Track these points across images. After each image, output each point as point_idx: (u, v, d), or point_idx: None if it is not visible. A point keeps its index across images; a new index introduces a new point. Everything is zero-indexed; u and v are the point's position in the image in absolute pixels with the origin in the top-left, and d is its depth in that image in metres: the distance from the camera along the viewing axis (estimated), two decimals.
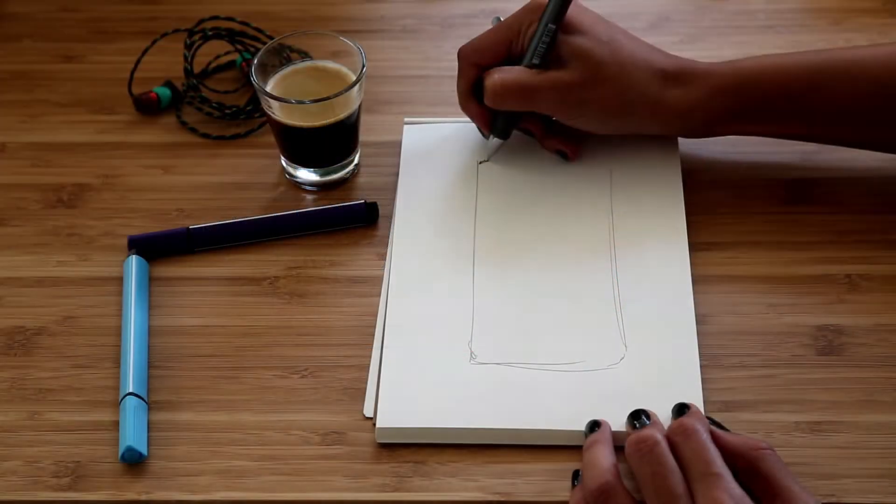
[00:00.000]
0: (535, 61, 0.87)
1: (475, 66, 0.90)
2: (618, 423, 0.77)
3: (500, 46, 0.90)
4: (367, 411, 0.81)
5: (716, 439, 0.73)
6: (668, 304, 0.84)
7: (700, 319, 0.84)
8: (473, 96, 0.91)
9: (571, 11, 0.88)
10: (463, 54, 0.91)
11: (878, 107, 0.86)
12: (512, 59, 0.90)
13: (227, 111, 0.99)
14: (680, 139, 0.93)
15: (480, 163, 0.93)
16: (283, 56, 0.94)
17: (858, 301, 0.85)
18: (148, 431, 0.80)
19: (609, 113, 0.88)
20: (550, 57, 0.88)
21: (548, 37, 0.87)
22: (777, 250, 0.88)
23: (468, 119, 0.97)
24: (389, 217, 0.92)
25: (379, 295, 0.87)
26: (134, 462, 0.78)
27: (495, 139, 0.92)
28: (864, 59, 0.87)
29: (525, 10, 0.89)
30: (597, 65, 0.86)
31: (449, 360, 0.82)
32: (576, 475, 0.76)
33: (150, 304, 0.87)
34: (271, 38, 0.98)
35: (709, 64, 0.88)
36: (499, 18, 0.92)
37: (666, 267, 0.87)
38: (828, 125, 0.88)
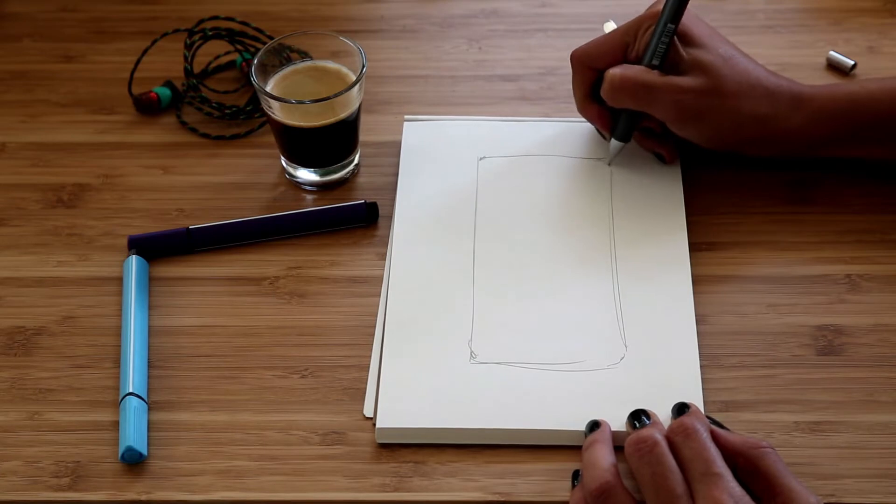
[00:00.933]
0: (656, 62, 0.88)
1: (591, 70, 0.90)
2: (618, 423, 0.77)
3: (616, 50, 0.90)
4: (367, 411, 0.81)
5: (716, 438, 0.73)
6: (668, 304, 0.84)
7: (700, 319, 0.84)
8: (592, 98, 0.91)
9: (688, 22, 0.88)
10: (576, 57, 0.91)
11: None
12: (628, 63, 0.89)
13: (227, 111, 0.99)
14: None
15: (609, 164, 0.93)
16: (283, 56, 0.94)
17: (858, 301, 0.85)
18: (148, 431, 0.80)
19: (720, 128, 0.88)
20: (669, 65, 0.88)
21: (667, 37, 0.87)
22: (777, 250, 0.88)
23: (468, 116, 0.97)
24: (389, 217, 0.92)
25: (379, 295, 0.87)
26: (134, 462, 0.78)
27: (616, 142, 0.91)
28: None
29: (643, 17, 0.89)
30: (717, 78, 0.87)
31: (449, 360, 0.82)
32: (576, 475, 0.76)
33: (150, 304, 0.87)
34: (271, 38, 0.98)
35: (816, 87, 0.89)
36: (610, 22, 0.93)
37: (666, 267, 0.87)
38: None
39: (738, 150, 0.90)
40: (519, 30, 1.06)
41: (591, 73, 0.91)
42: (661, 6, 0.88)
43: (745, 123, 0.88)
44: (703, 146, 0.91)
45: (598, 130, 0.94)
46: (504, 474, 0.77)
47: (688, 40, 0.88)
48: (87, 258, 0.90)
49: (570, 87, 0.92)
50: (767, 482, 0.72)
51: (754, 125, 0.88)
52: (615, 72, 0.88)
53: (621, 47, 0.90)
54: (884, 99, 0.87)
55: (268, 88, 0.92)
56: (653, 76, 0.87)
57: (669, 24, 0.87)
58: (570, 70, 0.92)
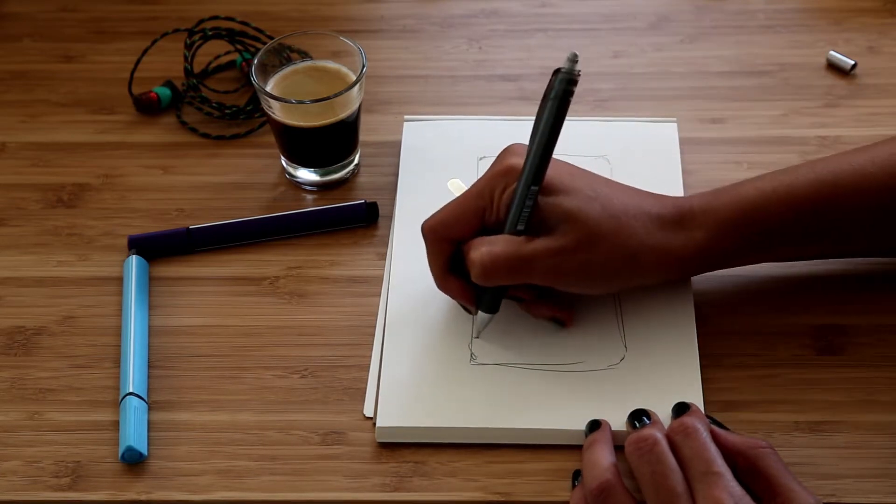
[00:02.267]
0: (520, 227, 0.78)
1: (448, 241, 0.81)
2: (618, 423, 0.77)
3: (472, 217, 0.80)
4: (367, 411, 0.81)
5: (716, 438, 0.73)
6: (668, 304, 0.84)
7: (700, 319, 0.84)
8: (451, 273, 0.82)
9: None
10: (431, 230, 0.81)
11: (891, 213, 0.80)
12: (486, 229, 0.81)
13: (227, 111, 0.99)
14: (680, 143, 0.93)
15: (476, 337, 0.84)
16: (283, 56, 0.94)
17: (858, 301, 0.85)
18: (148, 431, 0.80)
19: (610, 272, 0.79)
20: (534, 221, 0.79)
21: (531, 199, 0.78)
22: None
23: (468, 116, 0.97)
24: (389, 217, 0.92)
25: (379, 295, 0.87)
26: (134, 462, 0.78)
27: (484, 315, 0.82)
28: (864, 168, 0.80)
29: (496, 175, 0.80)
30: (590, 225, 0.78)
31: (449, 361, 0.82)
32: (576, 475, 0.76)
33: (150, 304, 0.87)
34: (271, 38, 0.98)
35: (705, 199, 0.81)
36: (456, 181, 0.87)
37: None
38: (841, 243, 0.82)
39: (640, 284, 0.82)
40: (519, 30, 1.06)
41: (447, 246, 0.81)
42: (512, 161, 0.80)
43: (637, 257, 0.79)
44: (599, 294, 0.83)
45: (462, 306, 0.84)
46: (504, 474, 0.77)
47: (547, 189, 0.79)
48: (87, 258, 0.90)
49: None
50: (767, 482, 0.72)
51: (648, 256, 0.79)
52: (483, 251, 0.78)
53: (477, 213, 0.80)
54: (781, 201, 0.80)
55: (268, 88, 0.92)
56: (522, 246, 0.78)
57: (532, 187, 0.78)
58: None
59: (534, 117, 0.98)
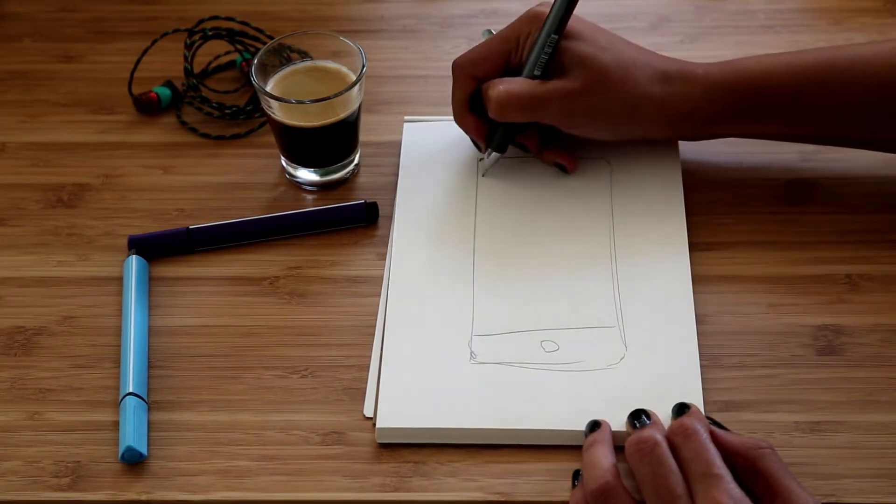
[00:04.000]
0: (537, 72, 0.86)
1: (472, 79, 0.89)
2: (618, 423, 0.77)
3: (498, 58, 0.88)
4: (367, 411, 0.81)
5: (715, 439, 0.73)
6: (668, 304, 0.84)
7: (700, 319, 0.84)
8: (470, 109, 0.90)
9: (571, 20, 0.87)
10: (458, 66, 0.89)
11: (883, 104, 0.86)
12: (510, 70, 0.89)
13: (227, 111, 0.99)
14: (680, 143, 0.93)
15: (483, 175, 0.92)
16: (283, 56, 0.94)
17: (858, 301, 0.85)
18: (148, 431, 0.80)
19: (614, 118, 0.87)
20: (551, 66, 0.87)
21: (550, 47, 0.86)
22: (777, 250, 0.88)
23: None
24: (389, 217, 0.92)
25: (379, 295, 0.87)
26: (134, 462, 0.78)
27: (493, 153, 0.91)
28: (865, 56, 0.86)
29: (523, 21, 0.88)
30: (600, 70, 0.85)
31: (449, 360, 0.82)
32: (576, 475, 0.76)
33: (150, 304, 0.87)
34: (271, 38, 0.98)
35: (708, 64, 0.88)
36: (490, 31, 0.91)
37: (666, 267, 0.87)
38: (831, 123, 0.88)
39: (640, 135, 0.89)
40: None
41: (472, 83, 0.89)
42: (542, 9, 0.87)
43: (639, 106, 0.86)
44: (602, 139, 0.90)
45: (473, 141, 0.92)
46: (504, 474, 0.77)
47: (568, 36, 0.86)
48: (87, 258, 0.90)
49: None
50: (767, 483, 0.72)
51: (648, 106, 0.86)
52: (500, 88, 0.86)
53: (503, 55, 0.88)
54: (779, 73, 0.86)
55: (268, 88, 0.92)
56: (535, 86, 0.86)
57: (553, 35, 0.86)
58: None
59: None
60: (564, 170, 0.91)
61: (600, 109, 0.86)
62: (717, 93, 0.87)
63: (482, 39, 0.91)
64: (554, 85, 0.86)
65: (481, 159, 0.93)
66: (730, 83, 0.86)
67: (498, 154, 0.90)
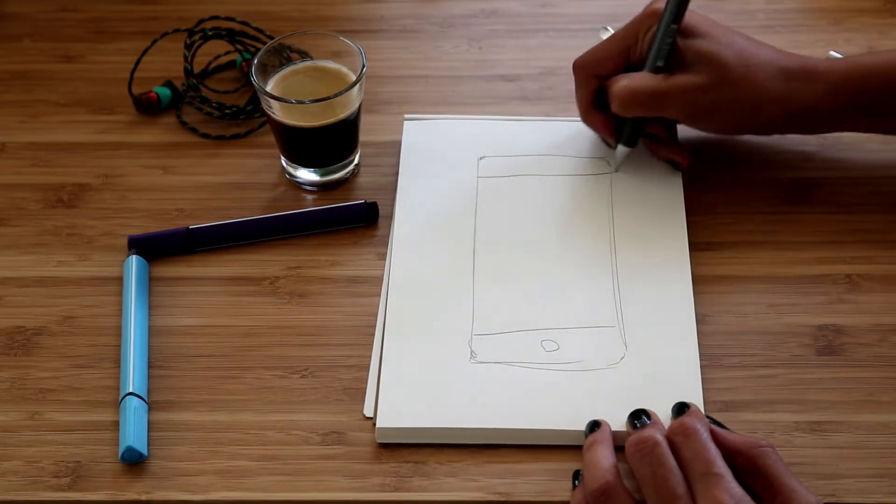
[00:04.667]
0: (660, 63, 0.87)
1: (593, 77, 0.90)
2: (618, 423, 0.77)
3: (618, 55, 0.89)
4: (367, 411, 0.81)
5: (716, 438, 0.73)
6: (668, 303, 0.84)
7: (700, 319, 0.84)
8: (596, 107, 0.91)
9: (687, 16, 0.87)
10: (579, 66, 0.90)
11: None
12: (631, 67, 0.89)
13: (227, 111, 0.99)
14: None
15: (616, 170, 0.92)
16: (283, 56, 0.94)
17: (858, 301, 0.85)
18: (148, 431, 0.80)
19: (738, 114, 0.88)
20: (672, 61, 0.87)
21: (670, 37, 0.86)
22: (777, 250, 0.88)
23: (468, 116, 0.97)
24: (389, 217, 0.92)
25: (379, 295, 0.87)
26: (134, 462, 0.78)
27: (623, 148, 0.91)
28: None
29: (642, 17, 0.89)
30: (724, 67, 0.86)
31: (449, 360, 0.82)
32: (576, 475, 0.76)
33: (150, 304, 0.87)
34: (271, 38, 0.98)
35: (829, 60, 0.88)
36: (606, 29, 0.93)
37: (666, 267, 0.87)
38: None
39: (761, 131, 0.91)
40: (519, 30, 1.06)
41: (594, 82, 0.90)
42: (659, 4, 0.88)
43: (762, 103, 0.87)
44: (723, 134, 0.91)
45: (602, 139, 0.93)
46: (504, 474, 0.77)
47: (688, 32, 0.87)
48: (87, 258, 0.90)
49: (571, 87, 0.92)
50: (767, 482, 0.72)
51: (770, 104, 0.87)
52: (622, 85, 0.87)
53: (623, 52, 0.89)
54: (890, 68, 0.86)
55: (268, 88, 0.92)
56: (658, 81, 0.87)
57: (672, 25, 0.87)
58: (570, 70, 0.92)
59: (534, 117, 0.99)
60: (678, 166, 0.92)
61: (722, 106, 0.87)
62: (837, 91, 0.87)
63: (601, 38, 0.92)
64: (676, 80, 0.86)
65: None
66: (849, 81, 0.86)
67: (628, 148, 0.91)
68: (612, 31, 0.93)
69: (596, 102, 0.91)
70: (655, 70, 0.87)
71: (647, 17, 0.88)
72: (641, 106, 0.88)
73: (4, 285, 0.89)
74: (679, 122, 0.91)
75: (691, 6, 0.87)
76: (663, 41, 0.87)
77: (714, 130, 0.91)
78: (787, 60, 0.88)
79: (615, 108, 0.88)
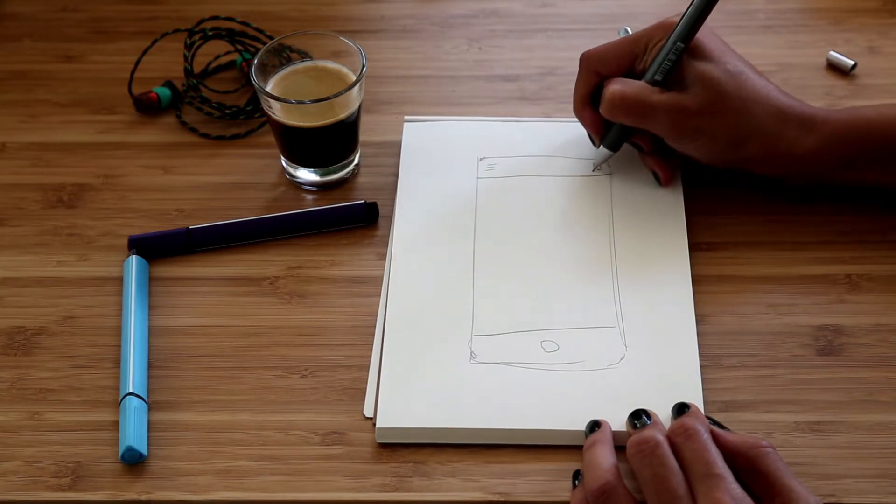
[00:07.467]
0: (658, 78, 0.86)
1: (596, 74, 0.89)
2: (618, 423, 0.77)
3: (624, 57, 0.89)
4: (367, 411, 0.81)
5: (716, 438, 0.73)
6: (668, 303, 0.84)
7: (700, 319, 0.84)
8: (590, 103, 0.90)
9: (702, 36, 0.86)
10: (585, 59, 0.90)
11: None
12: (634, 73, 0.89)
13: (227, 111, 0.99)
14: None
15: (593, 169, 0.92)
16: (283, 56, 0.94)
17: (858, 301, 0.85)
18: (148, 431, 0.80)
19: (720, 144, 0.86)
20: (673, 77, 0.86)
21: (674, 55, 0.86)
22: (777, 250, 0.88)
23: (468, 116, 0.97)
24: (389, 217, 0.92)
25: (379, 295, 0.87)
26: (134, 462, 0.78)
27: (605, 150, 0.90)
28: None
29: (656, 27, 0.88)
30: (719, 94, 0.85)
31: (449, 360, 0.82)
32: (576, 475, 0.76)
33: (150, 304, 0.87)
34: (271, 38, 0.98)
35: (830, 111, 0.87)
36: (627, 30, 0.92)
37: (666, 267, 0.87)
38: None
39: (741, 167, 0.88)
40: (519, 30, 1.06)
41: (595, 77, 0.89)
42: (674, 18, 0.87)
43: (747, 139, 0.85)
44: (702, 162, 0.89)
45: (588, 135, 0.93)
46: (504, 474, 0.77)
47: (697, 53, 0.86)
48: (87, 258, 0.90)
49: (571, 87, 0.92)
50: (767, 482, 0.72)
51: (756, 143, 0.86)
52: (615, 88, 0.87)
53: (629, 56, 0.89)
54: (888, 122, 0.85)
55: (268, 88, 0.92)
56: (650, 93, 0.86)
57: (679, 43, 0.86)
58: (570, 70, 0.92)
59: (534, 117, 0.99)
60: (658, 180, 0.91)
61: (708, 133, 0.86)
62: (831, 143, 0.85)
63: (617, 37, 0.92)
64: (668, 97, 0.86)
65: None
66: (845, 133, 0.85)
67: (610, 152, 0.90)
68: (630, 32, 0.93)
69: (591, 99, 0.90)
70: (652, 83, 0.86)
71: (659, 29, 0.87)
72: (628, 113, 0.87)
73: (4, 285, 0.89)
74: (664, 140, 0.89)
75: (714, 24, 0.86)
76: (666, 57, 0.86)
77: (694, 156, 0.88)
78: (787, 103, 0.86)
79: (603, 109, 0.88)
